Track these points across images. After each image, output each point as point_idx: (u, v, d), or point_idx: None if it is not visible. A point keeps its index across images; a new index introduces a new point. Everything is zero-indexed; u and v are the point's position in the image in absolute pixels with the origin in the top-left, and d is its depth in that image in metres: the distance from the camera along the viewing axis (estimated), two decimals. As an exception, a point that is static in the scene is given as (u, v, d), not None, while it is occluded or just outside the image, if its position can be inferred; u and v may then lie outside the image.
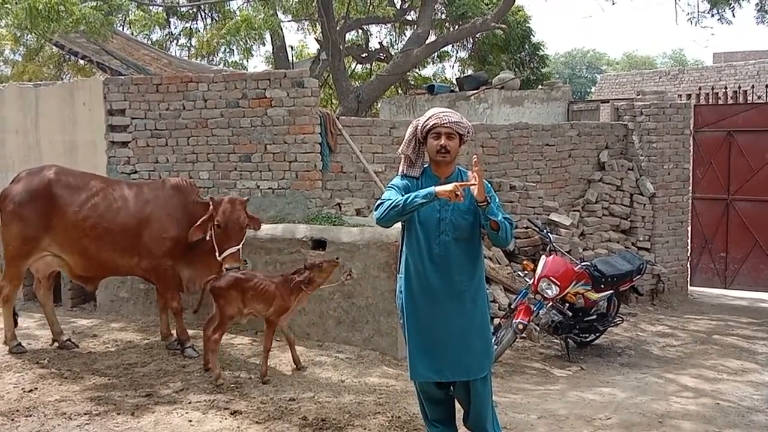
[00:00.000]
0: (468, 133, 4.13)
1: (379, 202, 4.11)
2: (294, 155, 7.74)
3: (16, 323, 6.66)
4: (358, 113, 12.36)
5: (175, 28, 17.32)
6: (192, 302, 7.44)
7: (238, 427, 4.84)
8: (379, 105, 15.53)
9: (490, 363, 4.27)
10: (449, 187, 3.80)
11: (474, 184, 3.87)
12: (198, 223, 6.11)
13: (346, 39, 15.96)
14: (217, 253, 6.09)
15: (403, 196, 3.98)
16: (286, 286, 5.84)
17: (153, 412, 5.06)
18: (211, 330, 5.83)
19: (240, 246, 6.13)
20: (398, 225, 4.25)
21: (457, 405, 4.43)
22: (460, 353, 4.11)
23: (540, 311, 7.21)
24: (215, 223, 6.06)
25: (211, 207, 6.12)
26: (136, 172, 8.18)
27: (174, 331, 6.69)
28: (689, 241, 11.04)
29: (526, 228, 8.98)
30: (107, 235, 6.31)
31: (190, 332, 7.16)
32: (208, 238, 6.11)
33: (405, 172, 4.21)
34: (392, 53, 16.39)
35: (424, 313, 4.15)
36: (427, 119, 4.12)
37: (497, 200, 4.19)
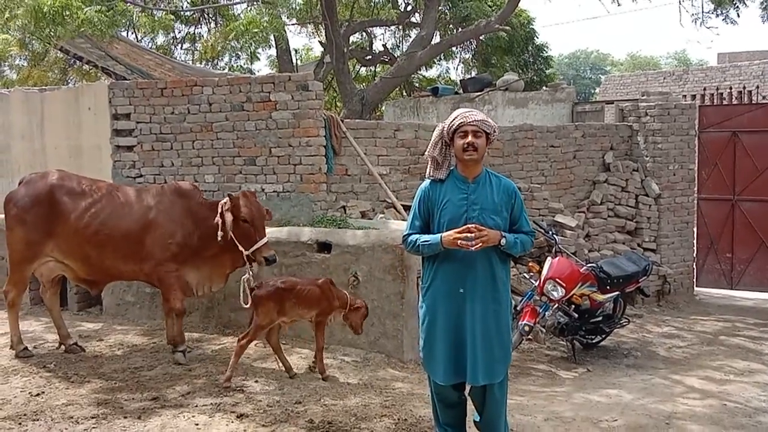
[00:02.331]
0: (494, 131, 4.17)
1: (405, 232, 4.31)
2: (299, 158, 7.75)
3: None
4: (362, 116, 12.35)
5: (179, 32, 17.37)
6: (198, 305, 7.48)
7: (244, 430, 4.84)
8: (383, 107, 15.54)
9: (507, 367, 4.27)
10: (452, 235, 4.01)
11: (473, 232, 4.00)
12: (222, 224, 6.00)
13: (350, 42, 15.95)
14: (242, 249, 6.02)
15: (421, 219, 4.23)
16: (330, 288, 5.95)
17: (159, 416, 5.07)
18: (242, 336, 5.87)
19: (267, 236, 6.11)
20: None
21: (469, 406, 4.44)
22: (482, 356, 4.11)
23: (546, 313, 7.20)
24: (242, 219, 5.98)
25: (228, 204, 6.01)
26: (141, 176, 8.20)
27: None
28: (695, 241, 11.01)
29: (532, 230, 8.97)
30: (109, 241, 6.25)
31: (196, 335, 7.20)
32: (219, 238, 6.02)
33: (432, 174, 4.24)
34: (396, 56, 16.40)
35: (449, 313, 4.15)
36: (453, 119, 4.16)
37: (524, 207, 4.30)
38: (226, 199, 6.09)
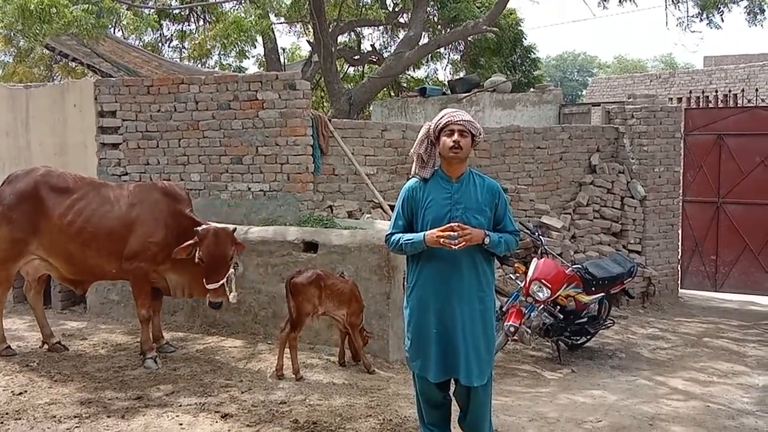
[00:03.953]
0: (480, 134, 4.20)
1: (387, 231, 4.31)
2: (285, 157, 7.73)
3: None
4: (350, 115, 12.36)
5: (167, 29, 17.29)
6: (182, 304, 7.44)
7: (228, 430, 4.82)
8: (371, 107, 15.55)
9: (491, 368, 4.28)
10: (435, 234, 4.01)
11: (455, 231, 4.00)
12: (184, 245, 5.95)
13: (338, 41, 15.95)
14: (204, 281, 5.98)
15: (405, 218, 4.23)
16: (357, 289, 6.17)
17: (143, 415, 5.04)
18: (289, 327, 5.92)
19: (224, 280, 5.98)
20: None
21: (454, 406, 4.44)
22: (474, 357, 4.13)
23: (531, 314, 7.22)
24: (199, 257, 5.92)
25: (196, 237, 5.93)
26: (126, 174, 8.15)
27: (164, 334, 6.69)
28: (680, 244, 11.08)
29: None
30: (93, 240, 6.16)
31: (181, 335, 7.17)
32: (197, 261, 5.97)
33: (417, 172, 4.25)
34: (384, 56, 16.40)
35: (435, 313, 4.16)
36: (440, 118, 4.19)
37: (508, 207, 4.32)
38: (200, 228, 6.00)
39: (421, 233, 4.10)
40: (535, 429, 5.16)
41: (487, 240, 4.08)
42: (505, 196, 4.31)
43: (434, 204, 4.16)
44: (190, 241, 5.96)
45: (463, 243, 3.97)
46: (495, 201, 4.21)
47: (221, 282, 5.96)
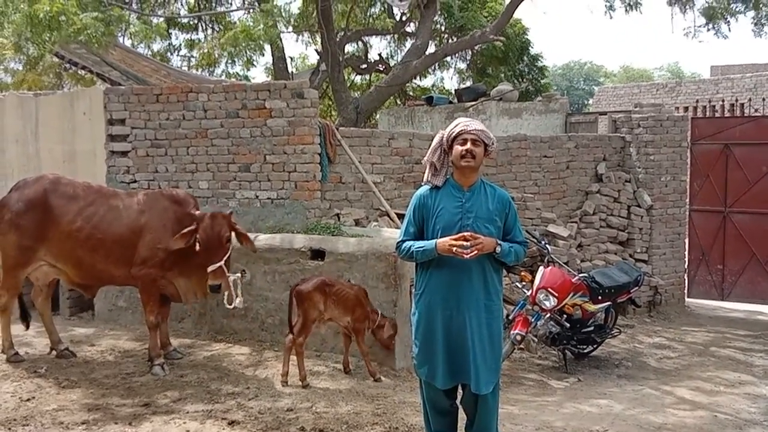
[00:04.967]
0: (492, 144, 4.22)
1: (398, 239, 4.34)
2: (293, 165, 7.76)
3: (27, 325, 6.74)
4: (357, 124, 12.41)
5: (176, 39, 17.40)
6: (190, 311, 7.47)
7: (235, 437, 4.85)
8: (377, 116, 15.59)
9: (498, 376, 4.30)
10: (448, 242, 4.03)
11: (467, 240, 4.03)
12: (182, 232, 6.00)
13: (346, 50, 16.03)
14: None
15: (416, 225, 4.26)
16: (364, 295, 6.19)
17: (150, 422, 5.06)
18: (296, 333, 5.95)
19: (222, 262, 6.00)
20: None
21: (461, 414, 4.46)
22: (482, 365, 4.14)
23: (538, 322, 7.22)
24: (197, 240, 5.98)
25: (195, 223, 6.00)
26: (135, 181, 8.19)
27: (171, 341, 6.71)
28: (686, 253, 11.07)
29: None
30: (101, 246, 6.21)
31: (189, 341, 7.19)
32: (197, 248, 6.01)
33: (429, 179, 4.28)
34: (391, 65, 16.46)
35: (443, 319, 4.18)
36: (454, 127, 4.23)
37: (517, 217, 4.35)
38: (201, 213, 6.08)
39: (433, 241, 4.12)
40: (541, 438, 5.17)
41: (498, 249, 4.10)
42: (515, 207, 4.34)
43: (445, 212, 4.18)
44: (190, 227, 6.01)
45: (475, 252, 3.99)
46: (505, 211, 4.24)
47: (219, 264, 5.99)
